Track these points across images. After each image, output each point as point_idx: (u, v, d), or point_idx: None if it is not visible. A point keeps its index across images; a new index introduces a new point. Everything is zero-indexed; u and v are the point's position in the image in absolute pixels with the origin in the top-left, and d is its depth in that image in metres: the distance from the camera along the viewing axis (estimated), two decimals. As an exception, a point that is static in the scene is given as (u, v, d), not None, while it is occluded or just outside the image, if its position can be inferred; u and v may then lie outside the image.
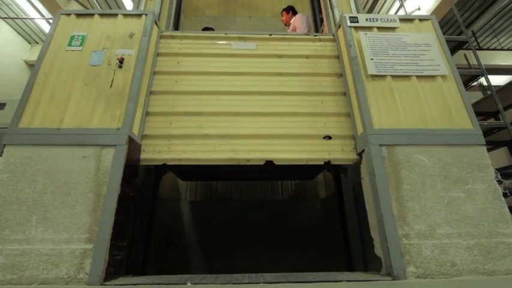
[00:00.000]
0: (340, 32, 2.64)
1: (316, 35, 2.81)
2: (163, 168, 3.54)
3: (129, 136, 1.96)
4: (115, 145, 1.91)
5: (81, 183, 1.81)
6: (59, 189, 1.79)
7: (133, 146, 2.03)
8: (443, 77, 2.30)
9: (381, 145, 1.98)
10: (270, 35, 2.74)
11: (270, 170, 3.56)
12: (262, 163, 2.18)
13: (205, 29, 4.10)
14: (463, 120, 2.13)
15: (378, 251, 1.83)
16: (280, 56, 2.64)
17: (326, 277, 1.65)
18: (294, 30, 3.66)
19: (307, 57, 2.66)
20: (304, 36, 2.80)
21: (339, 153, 2.24)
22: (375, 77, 2.28)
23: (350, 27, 2.51)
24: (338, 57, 2.65)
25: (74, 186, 1.80)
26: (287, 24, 3.96)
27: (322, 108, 2.40)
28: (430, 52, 2.41)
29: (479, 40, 6.97)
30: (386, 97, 2.19)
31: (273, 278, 1.72)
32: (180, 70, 2.55)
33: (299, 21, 3.61)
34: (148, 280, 1.68)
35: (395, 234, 1.73)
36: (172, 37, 2.72)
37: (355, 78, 2.25)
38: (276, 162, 2.18)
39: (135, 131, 2.11)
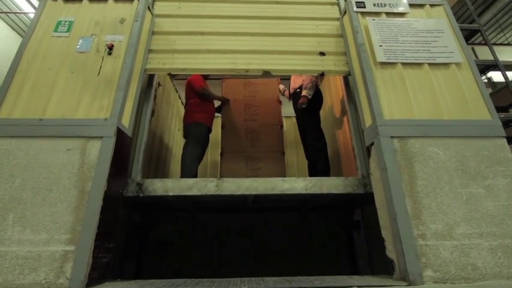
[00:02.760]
0: (345, 18, 2.47)
1: None
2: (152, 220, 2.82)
3: (118, 127, 1.80)
4: (102, 137, 1.75)
5: (64, 178, 1.64)
6: (39, 185, 1.62)
7: (122, 139, 1.87)
8: (457, 64, 2.14)
9: (392, 137, 1.82)
10: None
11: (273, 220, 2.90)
12: (260, 73, 2.39)
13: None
14: (481, 110, 1.97)
15: (390, 252, 1.67)
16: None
17: (334, 282, 1.48)
18: None
19: None
20: None
21: (332, 66, 2.41)
22: (384, 64, 2.11)
23: (356, 12, 2.34)
24: None
25: (56, 182, 1.63)
26: None
27: (316, 31, 2.56)
28: (443, 39, 2.25)
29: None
30: (397, 86, 2.03)
31: (275, 282, 1.56)
32: None
33: None
34: (137, 285, 1.51)
35: (410, 234, 1.57)
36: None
37: (363, 65, 2.08)
38: (273, 73, 2.38)
39: (125, 122, 1.94)
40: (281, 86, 3.51)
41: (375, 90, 1.98)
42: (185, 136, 3.07)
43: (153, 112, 2.59)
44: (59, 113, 1.84)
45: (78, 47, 2.11)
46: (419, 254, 1.53)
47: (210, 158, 4.24)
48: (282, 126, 3.35)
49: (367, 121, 2.02)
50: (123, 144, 1.88)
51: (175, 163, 3.69)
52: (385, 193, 1.72)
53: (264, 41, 2.49)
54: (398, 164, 1.75)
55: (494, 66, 2.81)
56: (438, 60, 2.14)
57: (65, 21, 2.22)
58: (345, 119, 2.82)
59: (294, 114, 3.33)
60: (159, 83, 2.95)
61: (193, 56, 2.40)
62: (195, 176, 2.86)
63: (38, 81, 1.95)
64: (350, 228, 2.35)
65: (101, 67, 2.01)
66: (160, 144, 3.17)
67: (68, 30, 2.18)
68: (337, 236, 2.36)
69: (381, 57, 2.13)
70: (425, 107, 1.95)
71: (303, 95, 2.78)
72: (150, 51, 2.39)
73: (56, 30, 2.17)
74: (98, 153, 1.70)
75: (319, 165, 2.64)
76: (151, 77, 2.53)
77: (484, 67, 2.88)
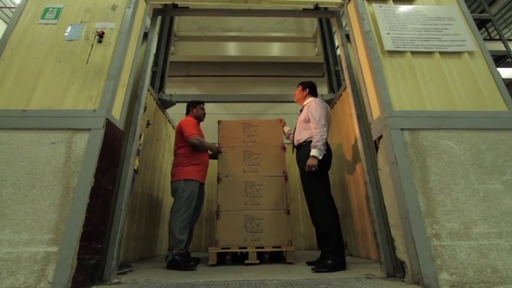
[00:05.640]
0: (350, 5, 2.33)
1: None
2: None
3: (107, 119, 1.67)
4: (89, 129, 1.62)
5: (48, 173, 1.52)
6: (21, 180, 1.50)
7: (112, 131, 1.74)
8: (470, 53, 2.01)
9: (402, 129, 1.69)
10: None
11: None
12: (258, 3, 2.48)
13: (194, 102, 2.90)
14: (496, 101, 1.84)
15: (401, 253, 1.54)
16: None
17: (341, 286, 1.36)
18: (307, 121, 2.36)
19: None
20: None
21: None
22: (392, 53, 1.99)
23: (362, -1, 2.22)
24: None
25: (39, 177, 1.51)
26: (298, 102, 2.67)
27: None
28: (454, 26, 2.12)
29: (490, 30, 6.66)
30: (407, 75, 1.90)
31: (276, 286, 1.44)
32: None
33: (314, 111, 2.32)
34: (126, 290, 1.39)
35: (424, 233, 1.44)
36: None
37: (370, 54, 1.95)
38: (269, 4, 2.49)
39: (116, 114, 1.82)
40: (285, 129, 2.98)
41: (383, 80, 1.85)
42: (173, 195, 2.53)
43: (136, 171, 2.32)
44: (44, 103, 1.71)
45: (66, 34, 1.98)
46: (434, 255, 1.41)
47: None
48: (286, 177, 2.85)
49: (375, 113, 1.89)
50: (113, 137, 1.75)
51: (166, 214, 3.31)
52: (396, 189, 1.59)
53: None
54: (410, 158, 1.62)
55: (506, 57, 2.68)
56: (449, 49, 2.01)
57: (53, 8, 2.09)
58: (358, 166, 2.51)
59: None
60: (148, 121, 2.71)
61: None
62: (186, 246, 2.43)
63: (23, 71, 1.82)
64: None
65: (89, 55, 1.89)
66: (149, 193, 2.88)
67: (55, 17, 2.05)
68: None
69: (389, 45, 2.00)
70: (437, 98, 1.82)
71: (312, 156, 2.17)
72: None
73: (43, 17, 2.05)
74: (85, 146, 1.58)
75: (330, 244, 2.10)
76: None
77: (495, 58, 2.74)
